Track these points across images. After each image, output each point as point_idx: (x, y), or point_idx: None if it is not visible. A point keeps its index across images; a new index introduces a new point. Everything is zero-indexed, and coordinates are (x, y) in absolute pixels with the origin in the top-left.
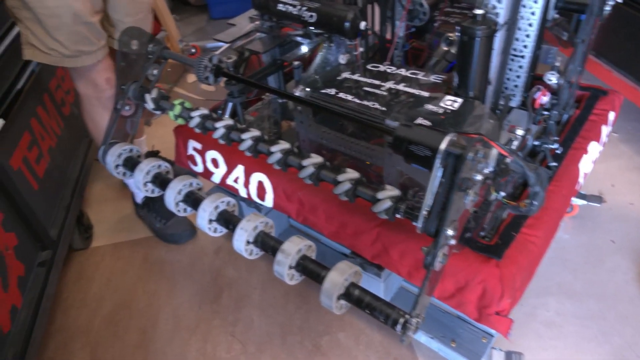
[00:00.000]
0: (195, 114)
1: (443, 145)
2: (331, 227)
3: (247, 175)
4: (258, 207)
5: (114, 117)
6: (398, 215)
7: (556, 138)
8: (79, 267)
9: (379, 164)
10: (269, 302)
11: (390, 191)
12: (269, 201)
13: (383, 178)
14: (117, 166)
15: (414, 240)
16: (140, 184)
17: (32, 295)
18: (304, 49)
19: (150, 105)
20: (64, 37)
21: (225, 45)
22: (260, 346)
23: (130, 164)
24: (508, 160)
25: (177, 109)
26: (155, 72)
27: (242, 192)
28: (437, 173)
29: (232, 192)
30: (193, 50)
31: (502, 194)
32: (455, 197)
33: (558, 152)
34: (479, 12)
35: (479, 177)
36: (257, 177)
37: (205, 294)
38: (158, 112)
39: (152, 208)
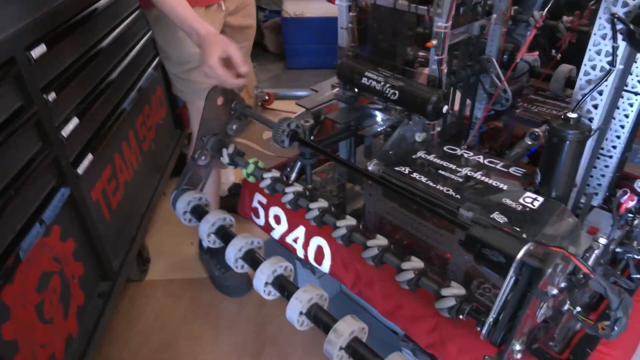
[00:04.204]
0: (267, 175)
1: (520, 255)
2: (386, 305)
3: (308, 237)
4: (313, 270)
5: (190, 165)
6: (461, 317)
7: None
8: (131, 298)
9: (445, 250)
10: None
11: (456, 289)
12: (325, 267)
13: (448, 264)
14: (185, 212)
15: (475, 337)
16: (204, 234)
17: (87, 326)
18: (381, 123)
19: (225, 159)
20: (196, 75)
21: (303, 110)
22: None
23: (198, 212)
24: (590, 278)
25: (251, 168)
26: (234, 127)
27: (300, 253)
28: (510, 282)
29: (290, 250)
30: (267, 97)
31: (579, 309)
32: (527, 311)
33: None
34: (572, 115)
35: (554, 292)
36: (317, 241)
37: (246, 347)
38: (231, 166)
39: (215, 255)
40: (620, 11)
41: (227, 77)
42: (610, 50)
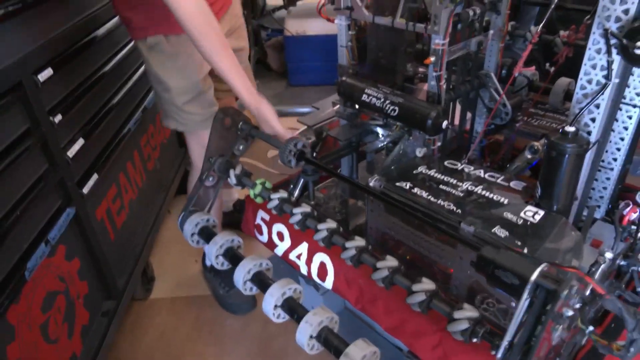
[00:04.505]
0: (274, 196)
1: (534, 277)
2: (390, 321)
3: (311, 254)
4: (316, 286)
5: (197, 186)
6: (475, 340)
7: None
8: (136, 317)
9: (448, 265)
10: None
11: (469, 311)
12: (328, 283)
13: (451, 280)
14: (192, 234)
15: (479, 353)
16: (212, 256)
17: (91, 345)
18: (382, 139)
19: (232, 180)
20: (196, 106)
21: (305, 127)
22: None
23: (206, 233)
24: (605, 299)
25: (258, 189)
26: (241, 147)
27: (303, 270)
28: (524, 304)
29: (293, 267)
30: None
31: (591, 328)
32: (544, 334)
33: None
34: (570, 129)
35: (570, 313)
36: (320, 257)
37: None
38: (238, 187)
39: (218, 274)
40: (613, 26)
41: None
42: (605, 64)
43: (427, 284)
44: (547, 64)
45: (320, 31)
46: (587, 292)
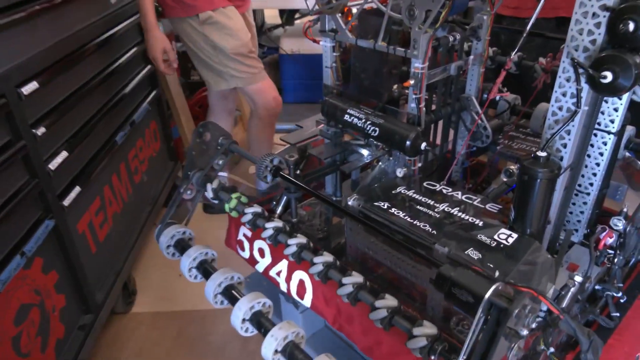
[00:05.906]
0: (248, 210)
1: (487, 295)
2: (365, 341)
3: (290, 271)
4: (295, 304)
5: (175, 199)
6: (432, 357)
7: (620, 285)
8: (115, 331)
9: (424, 285)
10: None
11: (428, 328)
12: (307, 301)
13: (427, 300)
14: (168, 246)
15: None
16: (185, 269)
17: (65, 359)
18: (363, 159)
19: (209, 194)
20: (250, 62)
21: (288, 146)
22: None
23: (181, 246)
24: (560, 319)
25: (233, 202)
26: (220, 162)
27: (283, 287)
28: (479, 322)
29: (274, 283)
30: None
31: (552, 349)
32: (497, 351)
33: (622, 300)
34: (542, 154)
35: (524, 332)
36: (299, 275)
37: None
38: (215, 201)
39: None
40: (581, 56)
41: (166, 69)
42: (575, 92)
43: (389, 300)
44: (505, 88)
45: (314, 50)
46: (550, 315)
